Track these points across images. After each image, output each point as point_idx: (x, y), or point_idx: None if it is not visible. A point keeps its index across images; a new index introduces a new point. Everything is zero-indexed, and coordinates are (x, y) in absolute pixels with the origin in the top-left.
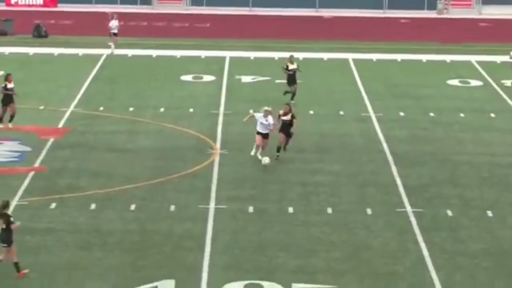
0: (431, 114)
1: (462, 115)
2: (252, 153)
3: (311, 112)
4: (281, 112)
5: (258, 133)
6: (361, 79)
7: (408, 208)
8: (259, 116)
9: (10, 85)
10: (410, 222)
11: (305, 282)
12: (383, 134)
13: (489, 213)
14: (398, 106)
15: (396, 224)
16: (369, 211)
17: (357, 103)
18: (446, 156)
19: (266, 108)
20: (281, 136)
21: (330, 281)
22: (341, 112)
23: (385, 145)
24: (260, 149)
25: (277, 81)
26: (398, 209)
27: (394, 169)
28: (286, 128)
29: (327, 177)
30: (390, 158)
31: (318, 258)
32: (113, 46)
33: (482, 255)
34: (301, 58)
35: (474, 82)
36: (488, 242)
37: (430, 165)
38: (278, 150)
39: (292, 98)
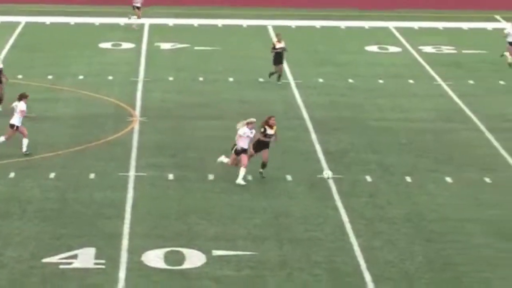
0: (350, 81)
1: (380, 81)
2: (241, 181)
3: (231, 79)
4: (266, 124)
5: (242, 151)
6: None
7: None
8: (244, 131)
9: None
10: (329, 188)
11: (225, 249)
12: (302, 101)
13: (408, 179)
14: (317, 72)
15: (316, 190)
16: (289, 177)
17: None
18: (365, 122)
19: (252, 119)
20: (266, 151)
21: (250, 247)
22: (260, 79)
23: (304, 112)
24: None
25: (196, 48)
26: (318, 175)
27: (313, 136)
28: (267, 143)
29: None
30: (309, 124)
31: (238, 225)
32: (135, 19)
33: (401, 220)
34: (220, 25)
35: (393, 49)
36: (407, 208)
37: (349, 131)
38: (264, 166)
39: (278, 79)
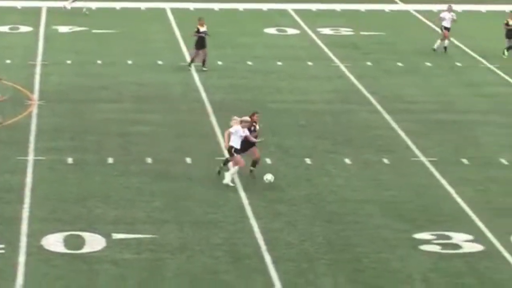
0: (249, 63)
1: (279, 63)
2: (229, 181)
3: (129, 62)
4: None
5: (238, 150)
6: (179, 29)
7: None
8: (237, 129)
9: None
10: (229, 170)
11: (125, 232)
12: (201, 83)
13: (307, 161)
14: (216, 55)
15: (215, 172)
16: (188, 160)
17: (175, 53)
18: (264, 104)
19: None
20: (255, 148)
21: (150, 230)
22: (159, 62)
23: (203, 95)
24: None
25: (94, 31)
26: (217, 158)
27: (213, 118)
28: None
29: (147, 127)
30: (209, 107)
31: (138, 208)
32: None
33: (300, 202)
34: (118, 8)
35: (291, 31)
36: (306, 189)
37: (249, 113)
38: (255, 164)
39: (203, 65)
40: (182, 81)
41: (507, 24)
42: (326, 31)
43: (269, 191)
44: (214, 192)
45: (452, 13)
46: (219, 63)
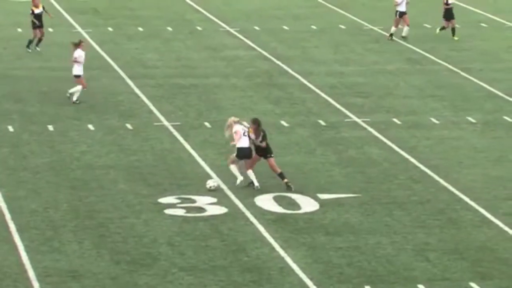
0: None
1: (20, 30)
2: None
3: None
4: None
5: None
6: None
7: None
8: (242, 127)
9: None
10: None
11: None
12: None
13: (50, 128)
14: None
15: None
16: None
17: None
18: (5, 72)
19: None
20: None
21: None
22: None
23: None
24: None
25: None
26: None
27: None
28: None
29: None
30: None
31: None
32: None
33: (44, 169)
34: None
35: None
36: (49, 157)
37: None
38: None
39: (37, 45)
40: None
41: (446, 4)
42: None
43: (12, 159)
44: None
45: None
46: None
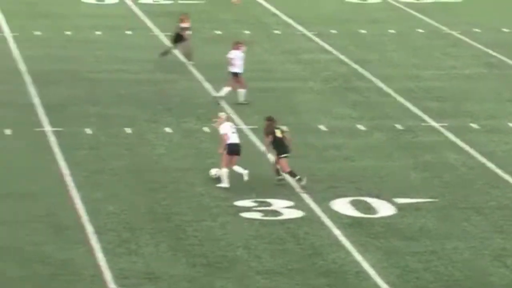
0: (68, 33)
1: (98, 33)
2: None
3: None
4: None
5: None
6: None
7: (48, 128)
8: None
9: None
10: (49, 141)
11: None
12: (20, 54)
13: (128, 130)
14: (34, 25)
15: (35, 144)
16: (8, 131)
17: None
18: (84, 75)
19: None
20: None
21: None
22: None
23: (22, 65)
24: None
25: None
26: (37, 129)
27: (32, 89)
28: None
29: None
30: (27, 78)
31: None
32: None
33: (122, 172)
34: None
35: (109, 0)
36: (127, 159)
37: (68, 83)
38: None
39: (189, 60)
40: (0, 52)
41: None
42: (145, 0)
43: (90, 161)
44: (33, 164)
45: None
46: (37, 33)
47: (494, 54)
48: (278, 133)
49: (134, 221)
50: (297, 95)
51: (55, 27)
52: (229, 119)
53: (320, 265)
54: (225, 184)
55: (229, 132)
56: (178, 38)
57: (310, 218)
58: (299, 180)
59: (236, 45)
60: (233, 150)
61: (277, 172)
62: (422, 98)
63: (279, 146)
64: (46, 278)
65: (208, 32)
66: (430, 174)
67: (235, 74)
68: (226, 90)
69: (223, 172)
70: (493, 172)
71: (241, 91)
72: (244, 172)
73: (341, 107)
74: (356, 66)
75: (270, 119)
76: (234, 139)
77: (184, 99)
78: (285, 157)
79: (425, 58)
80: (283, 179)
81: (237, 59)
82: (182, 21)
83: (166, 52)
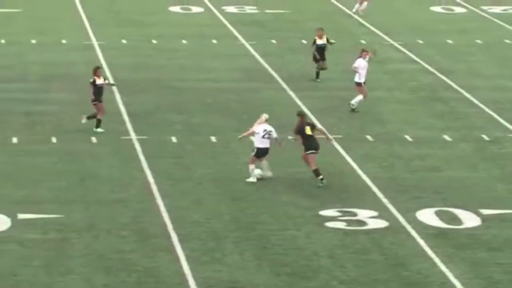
0: (154, 41)
1: (184, 41)
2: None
3: (33, 41)
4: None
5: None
6: (83, 7)
7: (133, 136)
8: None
9: None
10: (135, 149)
11: (31, 213)
12: (106, 62)
13: (213, 139)
14: (120, 33)
15: (121, 152)
16: (94, 139)
17: (80, 31)
18: (169, 83)
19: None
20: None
21: (56, 210)
22: (64, 41)
23: (108, 73)
24: None
25: None
26: (122, 137)
27: (118, 97)
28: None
29: (52, 106)
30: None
31: (44, 188)
32: None
33: (207, 180)
34: None
35: (196, 9)
36: (212, 168)
37: (154, 92)
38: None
39: (317, 77)
40: (87, 59)
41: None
42: (231, 9)
43: (175, 169)
44: (119, 171)
45: None
46: (124, 41)
47: None
48: (308, 131)
49: (219, 229)
50: (383, 105)
51: (142, 35)
52: (267, 122)
53: (404, 275)
54: (252, 179)
55: (260, 133)
56: (321, 53)
57: (394, 228)
58: (321, 180)
59: (361, 53)
60: (260, 154)
61: (317, 174)
62: (509, 109)
63: (307, 143)
64: (131, 285)
65: (294, 41)
66: None
67: (358, 84)
68: (358, 98)
69: (250, 168)
70: None
71: (359, 97)
72: (269, 173)
73: (427, 117)
74: (442, 76)
75: (300, 114)
76: (264, 143)
77: (268, 108)
78: (312, 153)
79: None
80: (324, 179)
81: (360, 68)
82: (320, 37)
83: (321, 68)
